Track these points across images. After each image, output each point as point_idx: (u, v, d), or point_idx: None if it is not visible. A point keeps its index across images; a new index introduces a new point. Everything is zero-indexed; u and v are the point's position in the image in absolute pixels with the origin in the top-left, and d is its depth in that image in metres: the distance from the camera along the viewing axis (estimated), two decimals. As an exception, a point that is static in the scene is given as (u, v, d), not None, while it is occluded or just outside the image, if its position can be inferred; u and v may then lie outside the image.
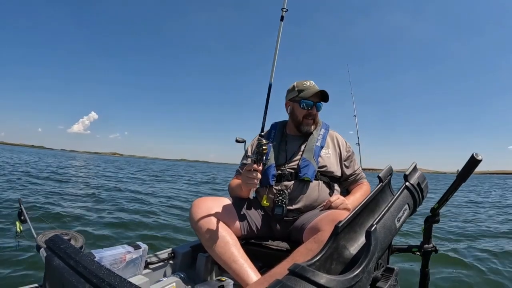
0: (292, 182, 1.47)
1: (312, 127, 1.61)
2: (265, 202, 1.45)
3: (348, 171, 1.61)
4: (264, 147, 1.23)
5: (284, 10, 1.44)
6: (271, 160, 1.52)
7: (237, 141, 1.33)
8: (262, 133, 1.28)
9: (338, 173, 1.58)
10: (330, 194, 1.50)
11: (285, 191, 1.44)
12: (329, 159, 1.56)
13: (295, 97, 1.60)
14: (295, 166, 1.50)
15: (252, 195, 1.57)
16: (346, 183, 1.65)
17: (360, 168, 1.69)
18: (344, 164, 1.61)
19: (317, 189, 1.47)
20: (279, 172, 1.50)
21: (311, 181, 1.46)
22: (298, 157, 1.54)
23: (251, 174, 1.26)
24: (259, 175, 1.27)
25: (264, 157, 1.27)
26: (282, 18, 1.43)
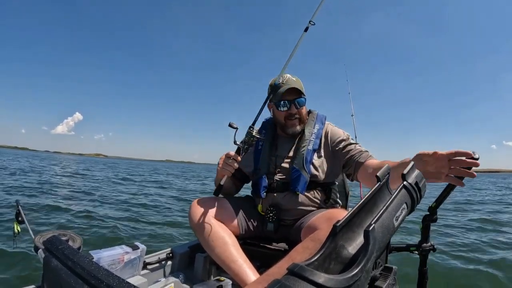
0: (285, 194, 1.41)
1: (298, 127, 1.47)
2: (260, 210, 1.45)
3: (346, 159, 1.41)
4: (253, 138, 1.30)
5: (312, 23, 1.49)
6: (263, 170, 1.45)
7: (230, 126, 1.31)
8: (253, 126, 1.33)
9: (334, 177, 1.52)
10: (326, 202, 1.46)
11: (276, 206, 1.41)
12: (322, 165, 1.44)
13: (271, 98, 1.46)
14: (286, 178, 1.42)
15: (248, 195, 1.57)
16: (350, 170, 1.41)
17: (361, 147, 1.42)
18: (342, 154, 1.42)
19: (311, 200, 1.42)
20: (270, 181, 1.44)
21: (303, 193, 1.39)
22: (288, 165, 1.44)
23: (228, 161, 1.29)
24: (236, 165, 1.29)
25: (250, 147, 1.33)
26: (306, 29, 1.49)
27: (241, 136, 1.33)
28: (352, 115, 3.17)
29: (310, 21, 1.50)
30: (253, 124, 1.34)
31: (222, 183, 1.37)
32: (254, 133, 1.30)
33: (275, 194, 1.42)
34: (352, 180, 1.45)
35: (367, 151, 1.39)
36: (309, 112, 1.58)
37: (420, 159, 0.94)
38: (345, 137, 1.46)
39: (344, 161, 1.41)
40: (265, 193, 1.43)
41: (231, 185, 1.55)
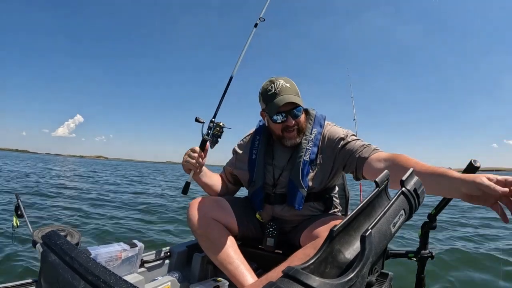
0: (283, 206, 1.37)
1: (298, 139, 1.34)
2: (260, 219, 1.43)
3: (346, 157, 1.28)
4: (221, 130, 1.31)
5: (262, 19, 1.53)
6: (258, 183, 1.39)
7: (196, 120, 1.31)
8: (214, 119, 1.33)
9: (334, 183, 1.46)
10: (326, 210, 1.42)
11: (276, 219, 1.39)
12: (321, 175, 1.34)
13: (264, 109, 1.35)
14: (284, 191, 1.37)
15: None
16: (351, 167, 1.27)
17: (363, 141, 1.28)
18: (341, 154, 1.30)
19: (310, 210, 1.38)
20: (268, 192, 1.40)
21: (300, 209, 1.33)
22: (285, 179, 1.36)
23: (191, 156, 1.29)
24: (201, 160, 1.29)
25: (218, 139, 1.33)
26: (256, 25, 1.53)
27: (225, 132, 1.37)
28: (354, 119, 3.16)
29: (260, 18, 1.54)
30: (214, 117, 1.35)
31: (189, 180, 1.34)
32: (222, 124, 1.32)
33: (273, 206, 1.39)
34: (358, 179, 1.32)
35: (370, 144, 1.24)
36: (306, 112, 1.41)
37: (475, 187, 0.78)
38: (343, 135, 1.31)
39: (344, 161, 1.29)
40: (261, 207, 1.40)
41: (223, 186, 1.54)
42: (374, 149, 1.21)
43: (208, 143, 1.32)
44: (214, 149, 1.35)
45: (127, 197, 7.61)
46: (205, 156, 1.32)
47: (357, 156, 1.22)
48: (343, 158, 1.29)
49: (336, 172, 1.36)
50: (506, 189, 0.74)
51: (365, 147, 1.23)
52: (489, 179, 0.77)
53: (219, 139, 1.34)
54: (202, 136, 1.31)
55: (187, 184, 1.36)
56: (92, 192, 7.99)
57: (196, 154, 1.29)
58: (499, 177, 0.76)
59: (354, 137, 1.31)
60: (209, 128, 1.32)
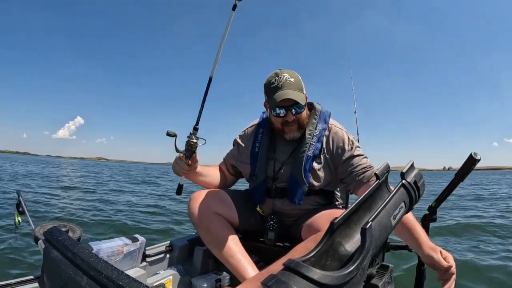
0: (283, 199, 1.37)
1: (297, 133, 1.33)
2: (260, 212, 1.44)
3: (346, 174, 1.30)
4: (193, 146, 1.25)
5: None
6: (260, 177, 1.39)
7: (168, 134, 1.27)
8: (197, 127, 1.28)
9: (335, 187, 1.45)
10: (326, 204, 1.42)
11: (276, 213, 1.39)
12: (322, 173, 1.33)
13: (266, 100, 1.34)
14: (285, 185, 1.36)
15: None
16: (349, 186, 1.32)
17: (367, 162, 1.29)
18: (342, 167, 1.31)
19: (311, 204, 1.38)
20: (268, 185, 1.39)
21: (300, 204, 1.33)
22: (287, 173, 1.35)
23: (179, 162, 1.29)
24: (187, 166, 1.29)
25: (194, 153, 1.28)
26: (234, 7, 1.36)
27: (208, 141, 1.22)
28: (355, 112, 3.14)
29: None
30: (197, 124, 1.29)
31: (181, 182, 1.38)
32: (193, 141, 1.25)
33: (273, 200, 1.39)
34: (351, 194, 1.34)
35: (371, 167, 1.26)
36: (311, 107, 1.41)
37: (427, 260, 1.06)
38: (348, 147, 1.30)
39: (342, 175, 1.31)
40: (262, 201, 1.40)
41: (222, 179, 1.54)
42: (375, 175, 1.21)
43: (197, 147, 1.28)
44: (212, 149, 1.32)
45: (129, 194, 7.64)
46: (194, 162, 1.31)
47: (356, 179, 1.25)
48: (343, 172, 1.30)
49: (334, 178, 1.37)
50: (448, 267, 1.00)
51: (366, 171, 1.25)
52: (445, 258, 1.02)
53: (193, 154, 1.28)
54: (176, 150, 1.27)
55: (180, 186, 1.38)
56: (93, 190, 8.02)
57: (184, 164, 1.28)
58: (449, 261, 1.02)
59: (358, 151, 1.31)
60: (186, 143, 1.26)
